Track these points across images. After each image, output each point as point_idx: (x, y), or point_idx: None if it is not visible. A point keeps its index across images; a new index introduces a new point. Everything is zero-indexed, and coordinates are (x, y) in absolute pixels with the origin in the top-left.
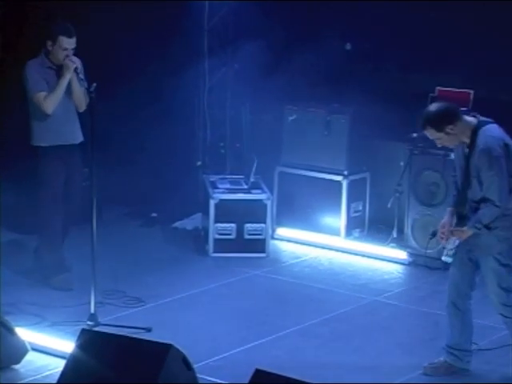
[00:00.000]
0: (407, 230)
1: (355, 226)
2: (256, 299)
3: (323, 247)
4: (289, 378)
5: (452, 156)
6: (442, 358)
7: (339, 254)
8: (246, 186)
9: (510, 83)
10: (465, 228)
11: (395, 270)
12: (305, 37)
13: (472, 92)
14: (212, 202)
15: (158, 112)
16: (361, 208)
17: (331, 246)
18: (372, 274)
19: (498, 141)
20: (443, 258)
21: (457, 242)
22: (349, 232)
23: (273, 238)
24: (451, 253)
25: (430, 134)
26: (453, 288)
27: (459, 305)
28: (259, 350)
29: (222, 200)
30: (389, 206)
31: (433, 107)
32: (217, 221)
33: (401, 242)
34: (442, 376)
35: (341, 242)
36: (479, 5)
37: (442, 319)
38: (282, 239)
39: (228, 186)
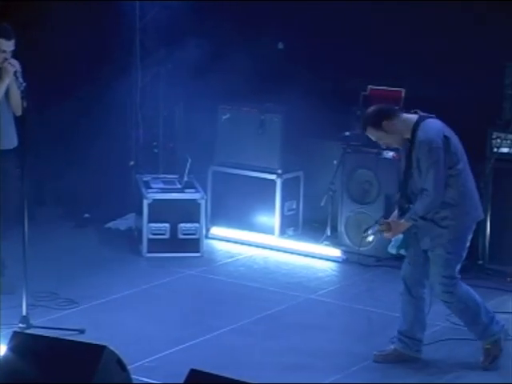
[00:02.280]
0: (341, 228)
1: (289, 224)
2: (191, 299)
3: (258, 246)
4: (224, 378)
5: (384, 154)
6: (392, 346)
7: (274, 252)
8: (179, 186)
9: (440, 81)
10: (402, 221)
11: (329, 267)
12: (238, 36)
13: (403, 90)
14: (145, 202)
15: (91, 112)
16: (295, 206)
17: (265, 245)
18: (306, 272)
19: (438, 132)
20: (389, 249)
21: (400, 237)
22: (283, 230)
23: (207, 237)
24: (395, 244)
25: (371, 133)
26: (407, 276)
27: (413, 292)
28: (194, 350)
29: (155, 200)
30: (322, 204)
31: (369, 109)
32: (150, 221)
33: (334, 240)
34: (391, 363)
35: (275, 240)
36: (410, 5)
37: (376, 316)
38: (216, 238)
39: (161, 185)
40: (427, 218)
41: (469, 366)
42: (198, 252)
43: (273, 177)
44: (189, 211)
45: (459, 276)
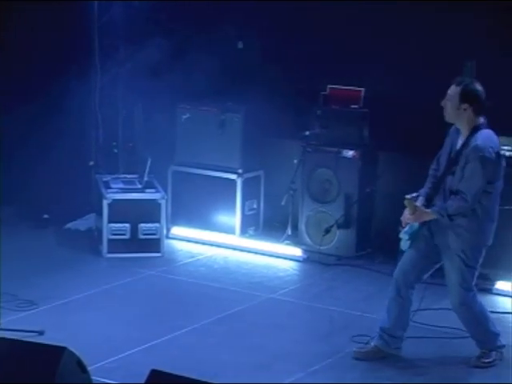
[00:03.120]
0: (301, 227)
1: (250, 224)
2: (151, 299)
3: (218, 246)
4: (185, 378)
5: (344, 153)
6: (372, 343)
7: (234, 252)
8: (139, 186)
9: (400, 80)
10: (428, 210)
11: (290, 267)
12: (198, 35)
13: (363, 90)
14: (105, 202)
15: (50, 111)
16: (255, 206)
17: (226, 245)
18: (267, 272)
19: (495, 145)
20: (401, 235)
21: (416, 225)
22: (244, 230)
23: (168, 237)
24: (408, 230)
25: (452, 92)
26: (401, 274)
27: (402, 292)
28: (155, 351)
29: (115, 200)
30: (283, 203)
31: (479, 86)
32: (110, 221)
33: (295, 239)
34: (372, 360)
35: (236, 240)
36: (370, 4)
37: (337, 315)
38: (176, 238)
39: (121, 185)
40: (454, 220)
41: (434, 363)
42: (158, 252)
43: (233, 176)
44: (149, 211)
45: (475, 289)
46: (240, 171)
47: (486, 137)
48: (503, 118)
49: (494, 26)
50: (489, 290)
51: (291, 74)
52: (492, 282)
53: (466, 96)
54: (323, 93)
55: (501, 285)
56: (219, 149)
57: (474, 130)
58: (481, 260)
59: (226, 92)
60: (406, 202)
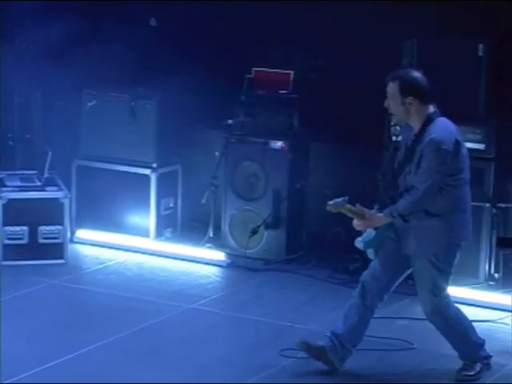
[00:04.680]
0: (225, 228)
1: (166, 225)
2: (54, 313)
3: (131, 250)
4: None
5: (271, 144)
6: (319, 343)
7: (149, 257)
8: (39, 183)
9: (333, 63)
10: (380, 214)
11: (212, 273)
12: (105, 13)
13: (292, 73)
14: (0, 203)
15: None
16: (172, 205)
17: (140, 249)
18: (187, 279)
19: (451, 135)
20: (356, 243)
21: (372, 232)
22: (159, 232)
23: (72, 241)
24: (364, 239)
25: (391, 89)
26: (369, 281)
27: (367, 300)
28: (58, 370)
29: (11, 200)
30: (203, 201)
31: (417, 73)
32: (6, 224)
33: (218, 242)
34: (310, 358)
35: (151, 243)
36: None
37: (264, 326)
38: (82, 243)
39: (18, 183)
40: (409, 221)
41: (373, 379)
42: (61, 258)
43: (147, 171)
44: (50, 212)
45: (449, 296)
46: (154, 165)
47: (442, 127)
48: (448, 104)
49: (433, 3)
50: None
51: (212, 55)
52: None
53: (407, 89)
54: (248, 76)
55: (457, 291)
56: (130, 140)
57: (426, 121)
58: (455, 262)
59: (138, 76)
60: (328, 208)
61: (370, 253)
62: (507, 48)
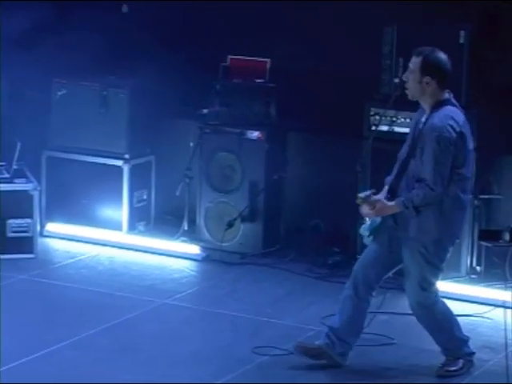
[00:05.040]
0: (199, 221)
1: (139, 218)
2: (23, 309)
3: (103, 244)
4: None
5: (248, 135)
6: (316, 342)
7: (122, 251)
8: (7, 175)
9: (311, 51)
10: (391, 203)
11: (187, 267)
12: None
13: (269, 61)
14: None
15: None
16: (145, 197)
17: (112, 243)
18: (160, 273)
19: (456, 124)
20: (361, 231)
21: (377, 219)
22: (132, 225)
23: (42, 235)
24: (369, 227)
25: (413, 64)
26: (360, 271)
27: (360, 291)
28: (27, 369)
29: None
30: (177, 193)
31: (443, 55)
32: None
33: (193, 235)
34: (310, 359)
35: (123, 237)
36: None
37: (241, 321)
38: (53, 236)
39: None
40: (421, 212)
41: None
42: (31, 253)
43: (119, 162)
44: (19, 205)
45: (437, 291)
46: (127, 157)
47: (446, 114)
48: None
49: None
50: None
51: (186, 42)
52: None
53: (428, 67)
54: (223, 64)
55: (438, 285)
56: (102, 130)
57: (437, 106)
58: (446, 257)
59: (110, 64)
60: (358, 202)
61: (367, 240)
62: (489, 35)
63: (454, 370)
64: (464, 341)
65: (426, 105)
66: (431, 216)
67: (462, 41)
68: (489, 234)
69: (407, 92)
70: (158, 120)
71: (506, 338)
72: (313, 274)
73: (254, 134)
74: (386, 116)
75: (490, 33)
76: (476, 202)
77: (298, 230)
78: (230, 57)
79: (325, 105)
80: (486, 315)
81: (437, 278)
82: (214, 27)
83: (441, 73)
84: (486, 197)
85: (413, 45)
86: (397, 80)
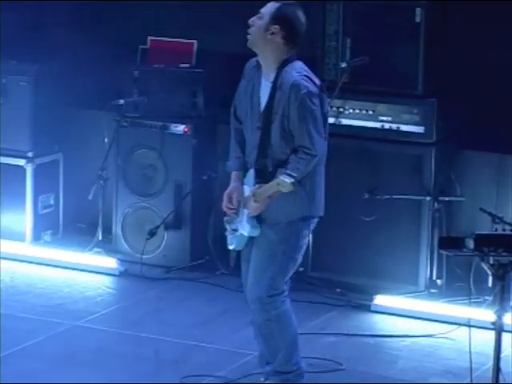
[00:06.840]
0: (116, 230)
1: (46, 226)
2: None
3: (2, 257)
4: None
5: (172, 128)
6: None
7: (24, 265)
8: None
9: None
10: (272, 183)
11: (102, 283)
12: None
13: (195, 42)
14: None
15: None
16: (53, 202)
17: (13, 256)
18: (70, 291)
19: (314, 77)
20: (248, 232)
21: (247, 214)
22: (37, 235)
23: None
24: (233, 233)
25: (266, 9)
26: (245, 288)
27: (254, 314)
28: None
29: None
30: (90, 197)
31: (302, 15)
32: None
33: (108, 246)
34: None
35: (26, 249)
36: None
37: (166, 346)
38: None
39: None
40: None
41: None
42: None
43: (21, 162)
44: None
45: (286, 291)
46: (30, 155)
47: (300, 67)
48: (380, 79)
49: None
50: (366, 307)
51: (99, 22)
52: (370, 296)
53: (281, 17)
54: (142, 47)
55: (381, 300)
56: (1, 124)
57: (283, 64)
58: (303, 246)
59: (8, 47)
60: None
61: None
62: (450, 13)
63: None
64: (299, 356)
65: (267, 61)
66: (294, 194)
67: (418, 20)
68: (450, 242)
69: (248, 37)
70: (66, 112)
71: (470, 361)
72: None
73: (179, 128)
74: (331, 106)
75: (451, 10)
76: (436, 204)
77: None
78: (150, 38)
79: None
80: (447, 335)
81: (287, 273)
82: (133, 4)
83: (292, 29)
84: (447, 199)
85: (361, 24)
86: (344, 64)
